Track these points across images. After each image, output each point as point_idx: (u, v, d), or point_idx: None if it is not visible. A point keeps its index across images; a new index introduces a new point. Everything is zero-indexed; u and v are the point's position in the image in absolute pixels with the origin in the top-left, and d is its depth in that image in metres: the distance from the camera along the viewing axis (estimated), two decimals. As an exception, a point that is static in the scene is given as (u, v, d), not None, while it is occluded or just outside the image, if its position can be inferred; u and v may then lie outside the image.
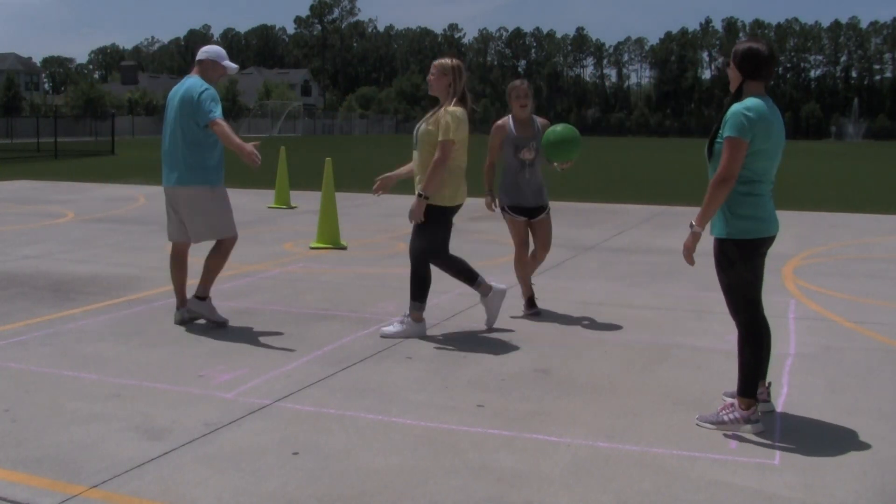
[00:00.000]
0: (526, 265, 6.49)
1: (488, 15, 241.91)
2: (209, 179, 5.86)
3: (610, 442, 3.90)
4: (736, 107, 3.99)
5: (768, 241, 4.14)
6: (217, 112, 5.66)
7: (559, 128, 6.09)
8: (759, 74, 4.05)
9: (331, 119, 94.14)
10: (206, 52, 6.03)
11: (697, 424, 4.14)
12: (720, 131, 4.03)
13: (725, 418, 4.07)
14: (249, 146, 5.58)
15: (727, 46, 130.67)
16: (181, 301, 6.08)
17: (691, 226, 4.06)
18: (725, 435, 3.99)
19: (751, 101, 3.99)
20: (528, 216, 6.43)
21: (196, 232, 5.95)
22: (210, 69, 5.97)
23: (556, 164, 6.10)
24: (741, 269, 4.06)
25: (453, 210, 5.75)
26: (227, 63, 6.04)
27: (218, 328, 5.90)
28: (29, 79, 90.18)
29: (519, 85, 6.38)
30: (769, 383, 4.37)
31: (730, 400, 4.21)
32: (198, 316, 5.99)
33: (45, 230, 10.98)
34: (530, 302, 6.55)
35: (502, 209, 6.42)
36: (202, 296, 5.97)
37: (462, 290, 7.24)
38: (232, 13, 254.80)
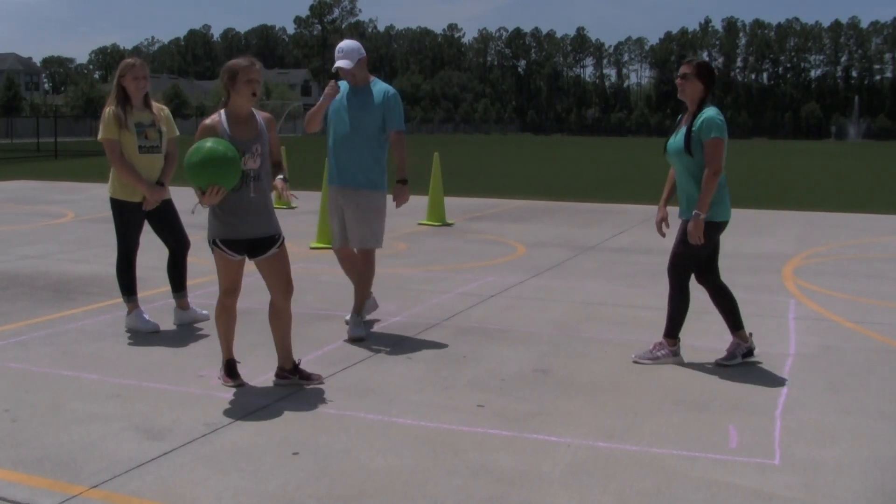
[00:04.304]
0: (232, 318, 4.69)
1: (488, 15, 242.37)
2: None
3: (610, 442, 3.90)
4: (710, 113, 4.88)
5: (724, 224, 5.04)
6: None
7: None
8: (714, 86, 5.02)
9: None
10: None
11: (635, 362, 5.15)
12: (695, 134, 4.86)
13: (659, 354, 5.19)
14: None
15: (727, 46, 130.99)
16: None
17: (698, 215, 4.85)
18: (726, 434, 4.00)
19: (715, 108, 4.93)
20: (249, 252, 4.64)
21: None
22: None
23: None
24: (704, 244, 4.94)
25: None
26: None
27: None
28: (29, 79, 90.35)
29: (245, 64, 4.42)
30: (751, 333, 5.26)
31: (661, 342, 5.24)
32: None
33: (45, 230, 10.97)
34: (231, 367, 4.69)
35: (212, 243, 4.57)
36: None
37: (462, 290, 7.24)
38: (232, 13, 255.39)
